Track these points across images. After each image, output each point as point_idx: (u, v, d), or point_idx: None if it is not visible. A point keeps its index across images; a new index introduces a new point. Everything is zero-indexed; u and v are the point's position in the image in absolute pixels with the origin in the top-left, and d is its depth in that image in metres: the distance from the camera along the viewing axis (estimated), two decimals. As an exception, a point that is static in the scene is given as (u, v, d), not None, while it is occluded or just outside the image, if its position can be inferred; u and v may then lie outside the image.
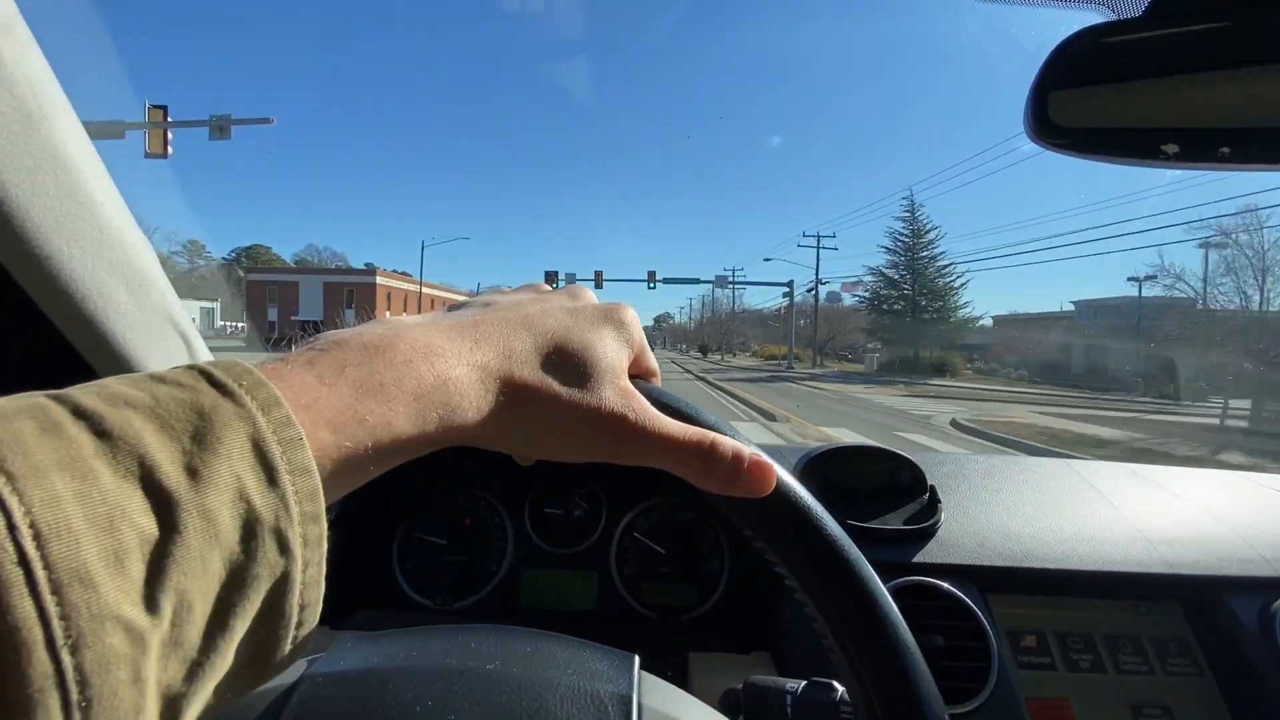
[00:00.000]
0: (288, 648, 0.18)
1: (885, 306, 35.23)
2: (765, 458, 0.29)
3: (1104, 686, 0.62)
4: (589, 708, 0.28)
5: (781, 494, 0.29)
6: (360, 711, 0.27)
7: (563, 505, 0.80)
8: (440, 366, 0.24)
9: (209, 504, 0.16)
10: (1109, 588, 0.66)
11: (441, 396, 0.23)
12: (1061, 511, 0.73)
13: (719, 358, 62.72)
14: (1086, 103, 0.49)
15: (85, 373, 0.55)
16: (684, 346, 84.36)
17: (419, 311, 0.34)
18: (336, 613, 0.67)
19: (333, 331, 0.24)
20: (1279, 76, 0.43)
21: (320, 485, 0.19)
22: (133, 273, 0.56)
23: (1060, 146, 0.51)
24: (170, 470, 0.15)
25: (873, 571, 0.30)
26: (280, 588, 0.17)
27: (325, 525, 0.19)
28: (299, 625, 0.18)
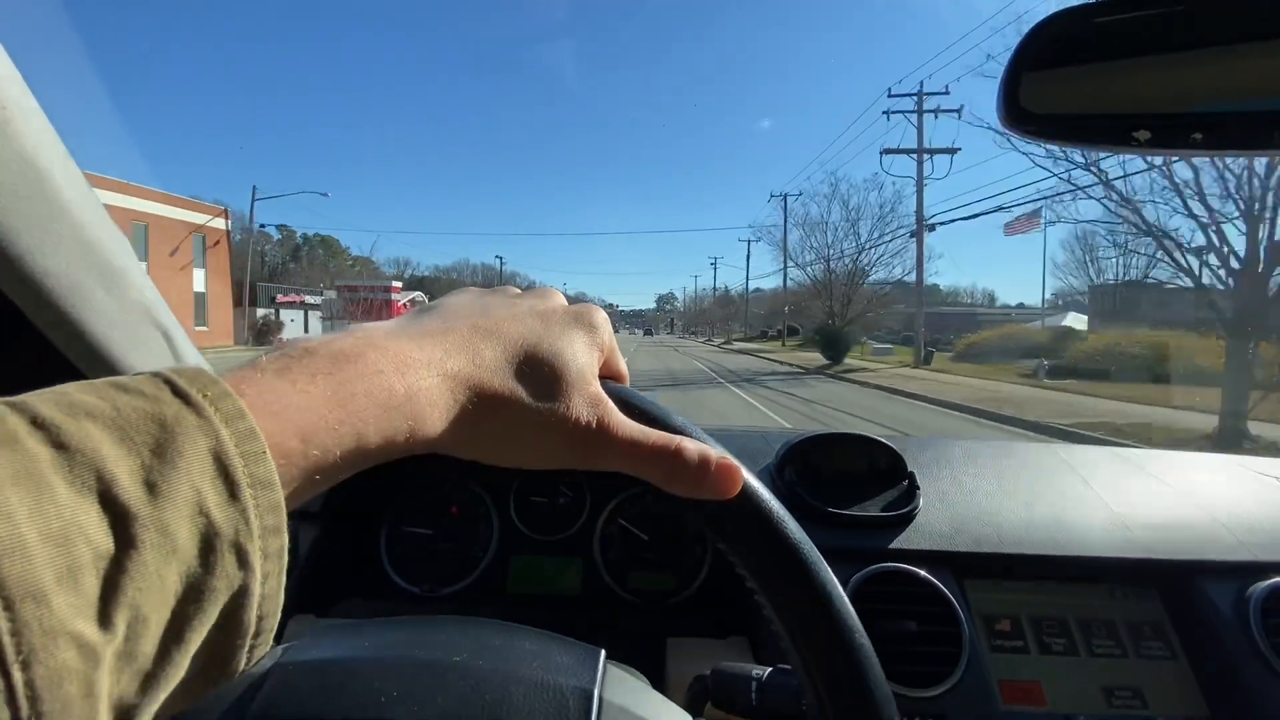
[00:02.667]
0: (244, 657, 0.19)
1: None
2: (732, 460, 0.29)
3: (1076, 669, 0.63)
4: (550, 701, 0.28)
5: (746, 496, 0.30)
6: (329, 700, 0.28)
7: (548, 494, 0.81)
8: (410, 377, 0.24)
9: (167, 519, 0.16)
10: (1086, 572, 0.67)
11: (411, 407, 0.24)
12: (1041, 496, 0.73)
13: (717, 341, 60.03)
14: (1058, 87, 0.48)
15: (71, 372, 0.56)
16: (694, 329, 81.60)
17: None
18: (323, 600, 0.68)
19: (304, 339, 0.24)
20: (1249, 56, 0.42)
21: (282, 498, 0.19)
22: (110, 271, 0.56)
23: (1032, 133, 0.50)
24: (128, 484, 0.15)
25: (831, 575, 0.31)
26: (238, 600, 0.17)
27: (286, 537, 0.19)
28: (257, 635, 0.19)
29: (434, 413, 0.24)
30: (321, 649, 0.31)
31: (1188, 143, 0.46)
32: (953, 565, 0.66)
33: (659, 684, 0.66)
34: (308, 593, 0.67)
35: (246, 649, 0.18)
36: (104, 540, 0.15)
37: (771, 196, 39.60)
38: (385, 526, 0.78)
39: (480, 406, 0.26)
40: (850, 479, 0.75)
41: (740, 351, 34.76)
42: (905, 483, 0.73)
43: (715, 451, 0.29)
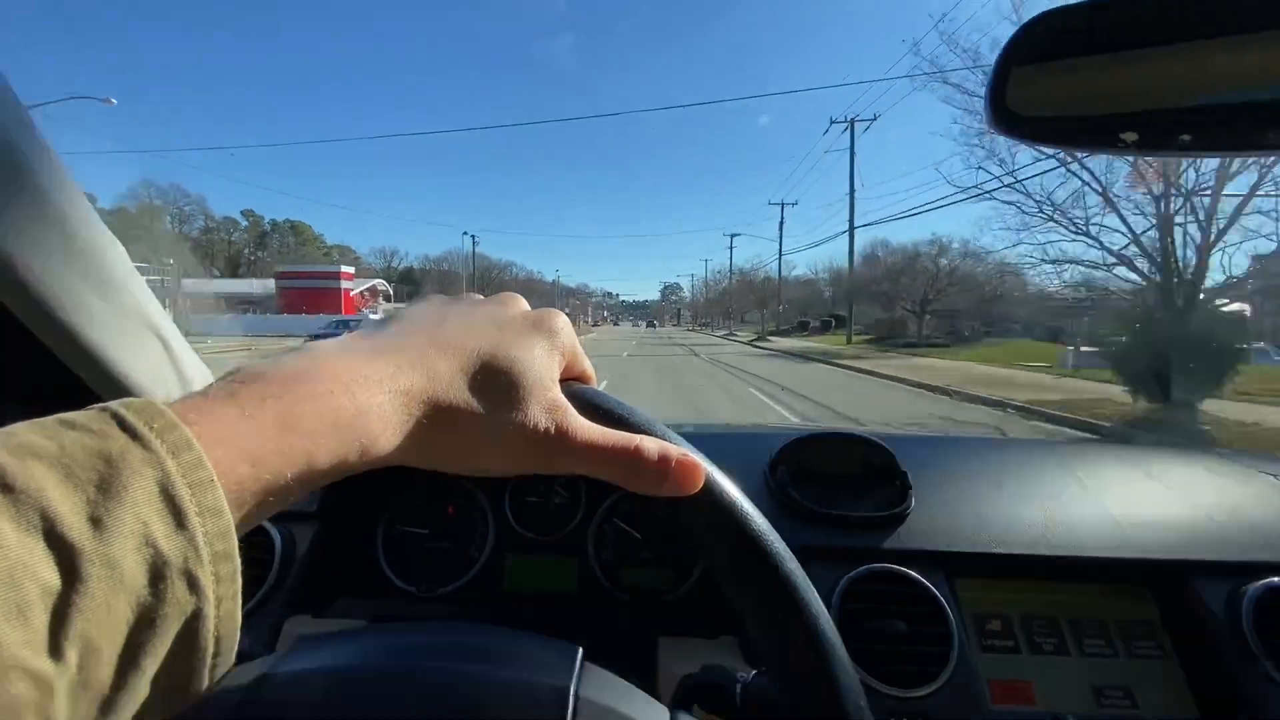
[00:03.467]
0: (205, 677, 0.20)
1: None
2: (694, 457, 0.30)
3: (1066, 668, 0.63)
4: (524, 700, 0.29)
5: (710, 492, 0.30)
6: (314, 710, 0.29)
7: (543, 494, 0.81)
8: (361, 396, 0.24)
9: (113, 552, 0.16)
10: (1077, 572, 0.67)
11: (363, 425, 0.24)
12: (1034, 496, 0.73)
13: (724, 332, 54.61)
14: (1044, 89, 0.48)
15: (75, 383, 0.57)
16: (704, 321, 74.70)
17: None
18: (320, 601, 0.69)
19: (253, 363, 0.24)
20: (1236, 50, 0.42)
21: (232, 524, 0.19)
22: (105, 280, 0.57)
23: (1020, 135, 0.50)
24: (73, 521, 0.16)
25: (797, 566, 0.31)
26: (193, 624, 0.18)
27: (238, 561, 0.20)
28: (216, 655, 0.19)
29: (386, 429, 0.25)
30: (304, 659, 0.32)
31: (1176, 144, 0.46)
32: (944, 565, 0.66)
33: (650, 683, 0.66)
34: (304, 593, 0.68)
35: (207, 669, 0.19)
36: (50, 576, 0.15)
37: (832, 123, 30.80)
38: (382, 526, 0.79)
39: (435, 420, 0.26)
40: (843, 478, 0.75)
41: (797, 355, 19.28)
42: (898, 482, 0.73)
43: (676, 449, 0.29)
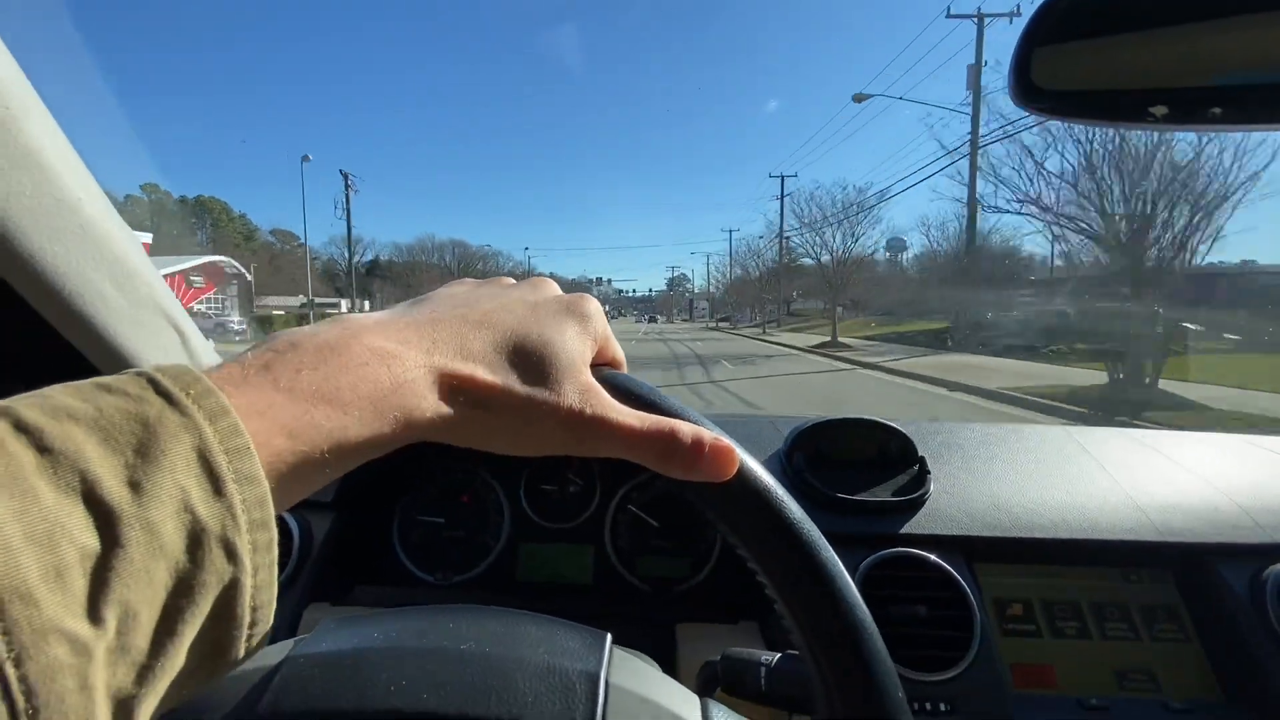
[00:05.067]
0: (242, 647, 0.19)
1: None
2: (727, 441, 0.29)
3: (1089, 652, 0.63)
4: (556, 685, 0.29)
5: (744, 478, 0.30)
6: (339, 691, 0.29)
7: (558, 482, 0.81)
8: (397, 369, 0.24)
9: (152, 517, 0.16)
10: (1098, 556, 0.66)
11: (398, 400, 0.24)
12: (1054, 480, 0.72)
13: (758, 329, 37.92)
14: (1071, 62, 0.47)
15: (87, 368, 0.57)
16: (726, 316, 55.97)
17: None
18: (339, 589, 0.69)
19: (288, 331, 0.24)
20: (1271, 25, 0.41)
21: (269, 493, 0.19)
22: (119, 267, 0.57)
23: (1044, 109, 0.49)
24: (112, 484, 0.16)
25: (832, 554, 0.30)
26: (230, 593, 0.18)
27: (275, 530, 0.19)
28: (253, 625, 0.19)
29: (422, 404, 0.24)
30: (329, 641, 0.32)
31: (1206, 117, 0.45)
32: (964, 549, 0.66)
33: (670, 670, 0.66)
34: (323, 581, 0.68)
35: (244, 639, 0.19)
36: (90, 540, 0.15)
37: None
38: (398, 515, 0.79)
39: (469, 398, 0.26)
40: (860, 464, 0.74)
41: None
42: (916, 467, 0.72)
43: (709, 434, 0.29)
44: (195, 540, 0.17)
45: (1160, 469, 0.76)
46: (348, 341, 0.24)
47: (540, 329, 0.29)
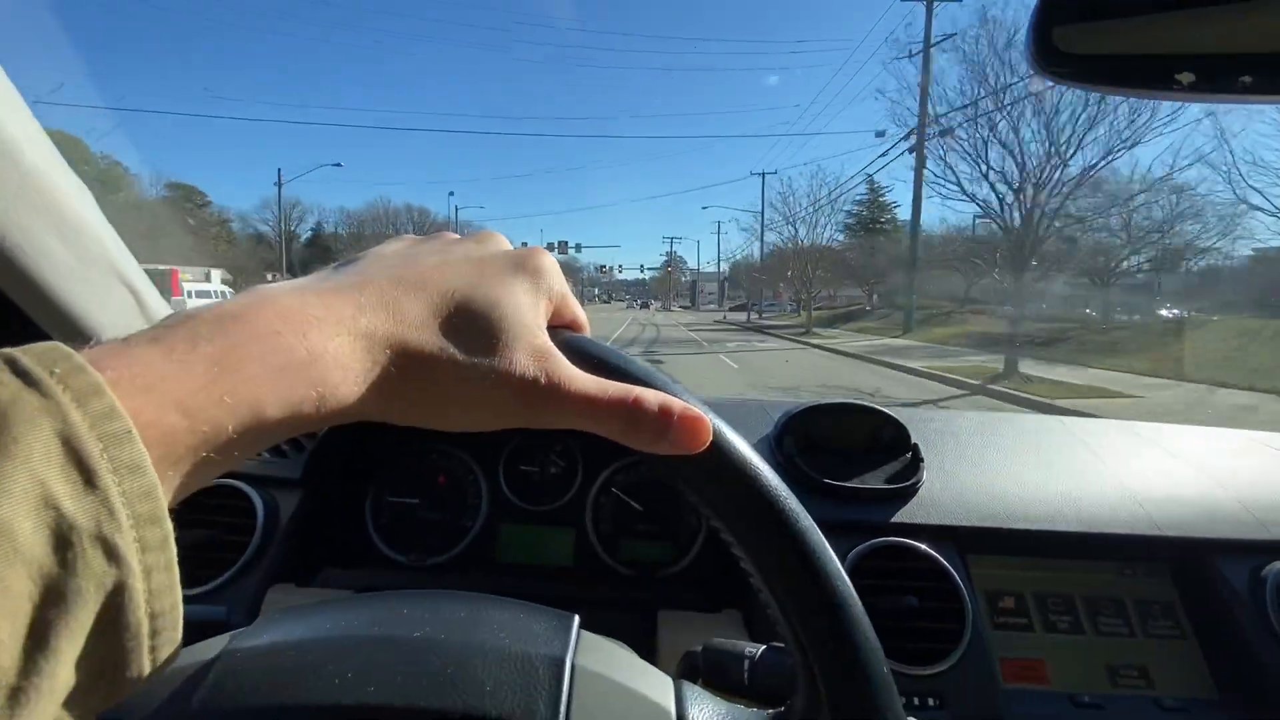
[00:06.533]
0: (145, 661, 0.17)
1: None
2: (699, 410, 0.26)
3: (1081, 647, 0.61)
4: (518, 670, 0.27)
5: (720, 450, 0.27)
6: (279, 685, 0.26)
7: (539, 462, 0.78)
8: (314, 337, 0.21)
9: (2, 515, 0.14)
10: (1093, 549, 0.65)
11: (316, 371, 0.21)
12: (1049, 470, 0.70)
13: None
14: (1095, 26, 0.44)
15: (34, 331, 0.53)
16: (750, 302, 38.65)
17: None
18: (305, 569, 0.66)
19: (189, 308, 0.21)
20: None
21: (157, 483, 0.16)
22: (66, 222, 0.53)
23: (1065, 76, 0.45)
24: None
25: (816, 530, 0.28)
26: (116, 600, 0.16)
27: (169, 526, 0.17)
28: (154, 635, 0.17)
29: (347, 377, 0.21)
30: (272, 632, 0.29)
31: (1236, 87, 0.42)
32: (956, 540, 0.64)
33: (650, 659, 0.64)
34: (288, 562, 0.65)
35: (145, 651, 0.17)
36: None
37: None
38: (371, 494, 0.76)
39: (405, 368, 0.23)
40: (852, 451, 0.72)
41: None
42: (909, 455, 0.70)
43: (679, 402, 0.26)
44: (62, 541, 0.15)
45: (1158, 462, 0.74)
46: (255, 308, 0.21)
47: (487, 288, 0.26)
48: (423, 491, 0.77)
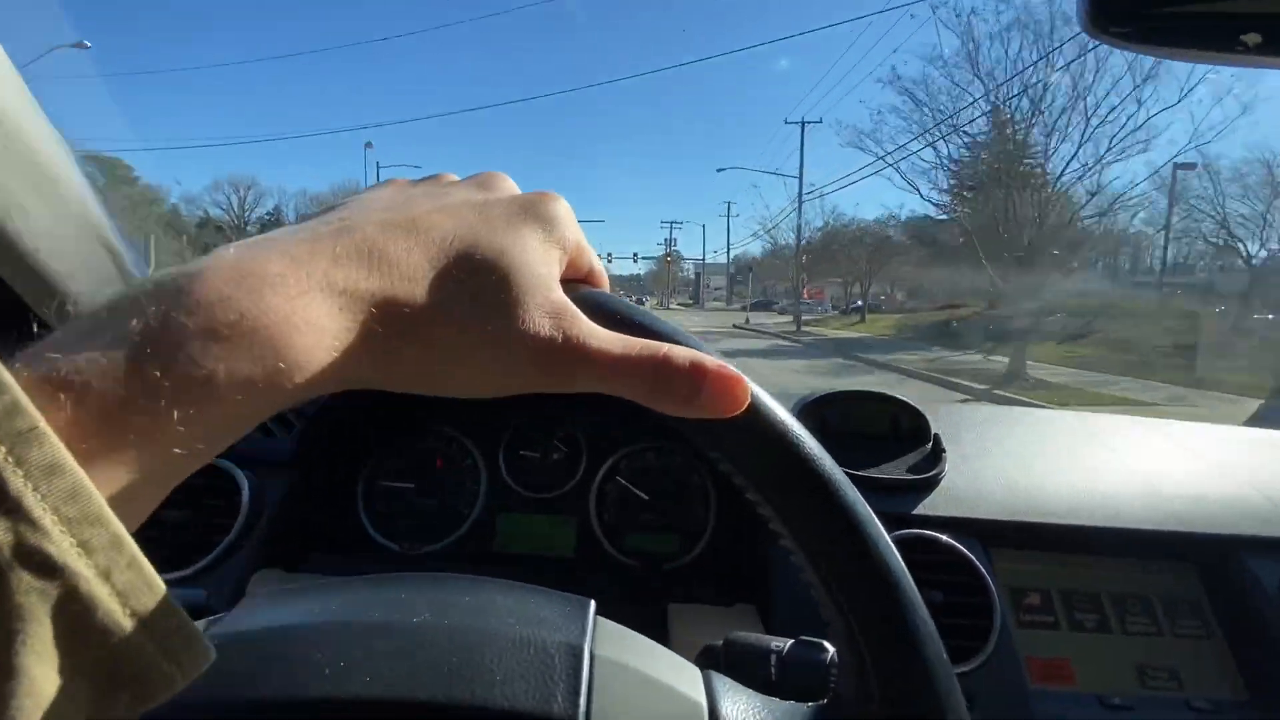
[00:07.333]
0: (161, 660, 0.15)
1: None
2: (732, 370, 0.23)
3: (1108, 647, 0.59)
4: (533, 659, 0.24)
5: (756, 412, 0.24)
6: (263, 675, 0.24)
7: (540, 448, 0.75)
8: (278, 295, 0.18)
9: None
10: (1119, 545, 0.62)
11: (282, 336, 0.17)
12: (1071, 465, 0.68)
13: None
14: None
15: (6, 295, 0.50)
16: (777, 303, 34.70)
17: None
18: (293, 555, 0.63)
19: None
20: None
21: (83, 481, 0.14)
22: (43, 178, 0.49)
23: (1119, 37, 0.43)
24: None
25: (867, 507, 0.25)
26: (73, 608, 0.14)
27: (114, 524, 0.15)
28: (153, 634, 0.15)
29: (320, 340, 0.18)
30: (256, 617, 0.26)
31: None
32: (979, 533, 0.61)
33: None
34: (275, 546, 0.62)
35: (152, 651, 0.15)
36: None
37: None
38: (363, 477, 0.73)
39: (396, 328, 0.20)
40: (871, 440, 0.69)
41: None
42: (930, 445, 0.68)
43: (712, 360, 0.23)
44: None
45: (1179, 458, 0.72)
46: (207, 267, 0.17)
47: (492, 235, 0.22)
48: (418, 476, 0.74)
